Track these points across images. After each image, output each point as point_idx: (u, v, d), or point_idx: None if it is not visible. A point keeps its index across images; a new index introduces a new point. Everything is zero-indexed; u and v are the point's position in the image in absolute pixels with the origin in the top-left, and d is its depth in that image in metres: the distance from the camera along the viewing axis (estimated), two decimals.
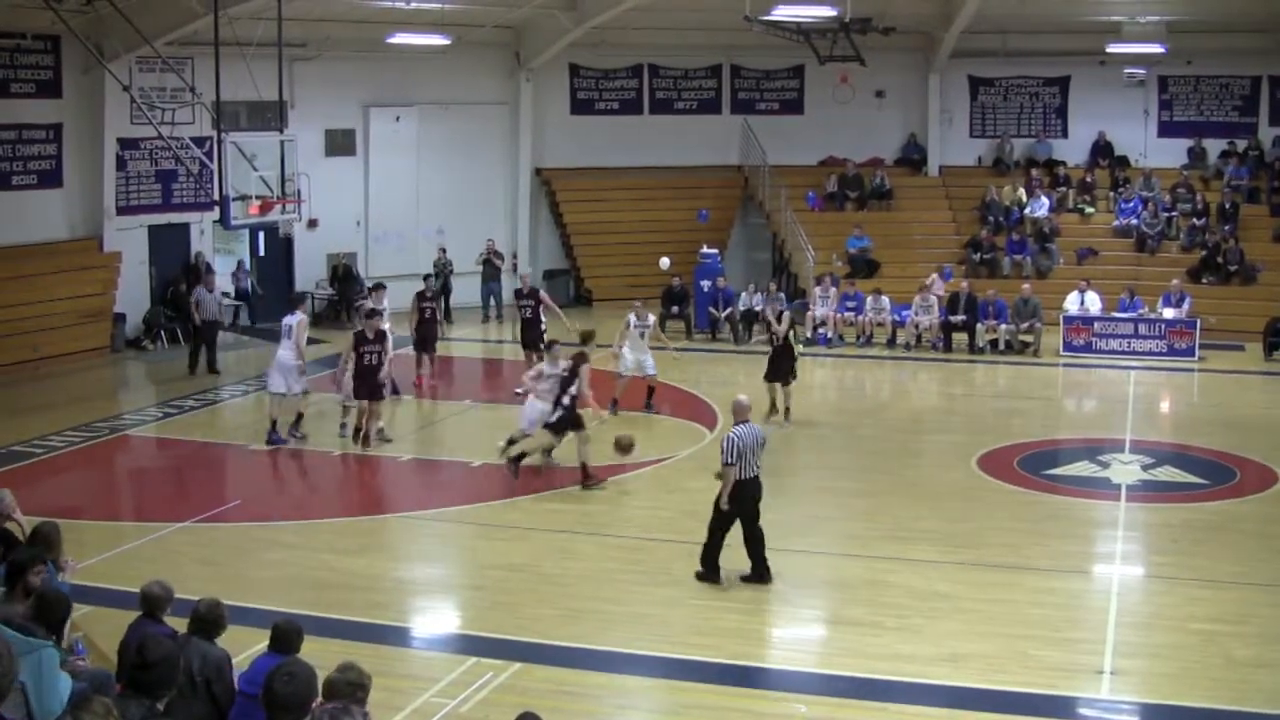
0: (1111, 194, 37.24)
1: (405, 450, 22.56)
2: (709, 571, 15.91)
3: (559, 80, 39.26)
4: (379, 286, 26.60)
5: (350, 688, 8.17)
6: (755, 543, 15.80)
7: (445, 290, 35.52)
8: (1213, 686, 12.96)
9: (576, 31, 35.71)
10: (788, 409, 24.29)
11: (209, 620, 9.78)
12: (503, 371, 27.03)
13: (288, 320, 23.29)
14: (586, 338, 22.37)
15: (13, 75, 29.71)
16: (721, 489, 15.66)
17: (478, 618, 15.34)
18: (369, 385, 22.11)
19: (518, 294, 28.17)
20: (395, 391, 25.08)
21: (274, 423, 22.93)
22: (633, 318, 25.26)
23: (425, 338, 27.15)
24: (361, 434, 22.37)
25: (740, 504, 15.65)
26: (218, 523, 18.55)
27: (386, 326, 23.62)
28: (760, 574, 15.86)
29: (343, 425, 22.96)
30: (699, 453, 22.12)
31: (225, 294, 34.43)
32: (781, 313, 25.17)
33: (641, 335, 25.22)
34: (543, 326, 26.87)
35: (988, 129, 40.00)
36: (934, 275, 33.41)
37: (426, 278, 30.53)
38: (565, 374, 20.34)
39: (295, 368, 22.86)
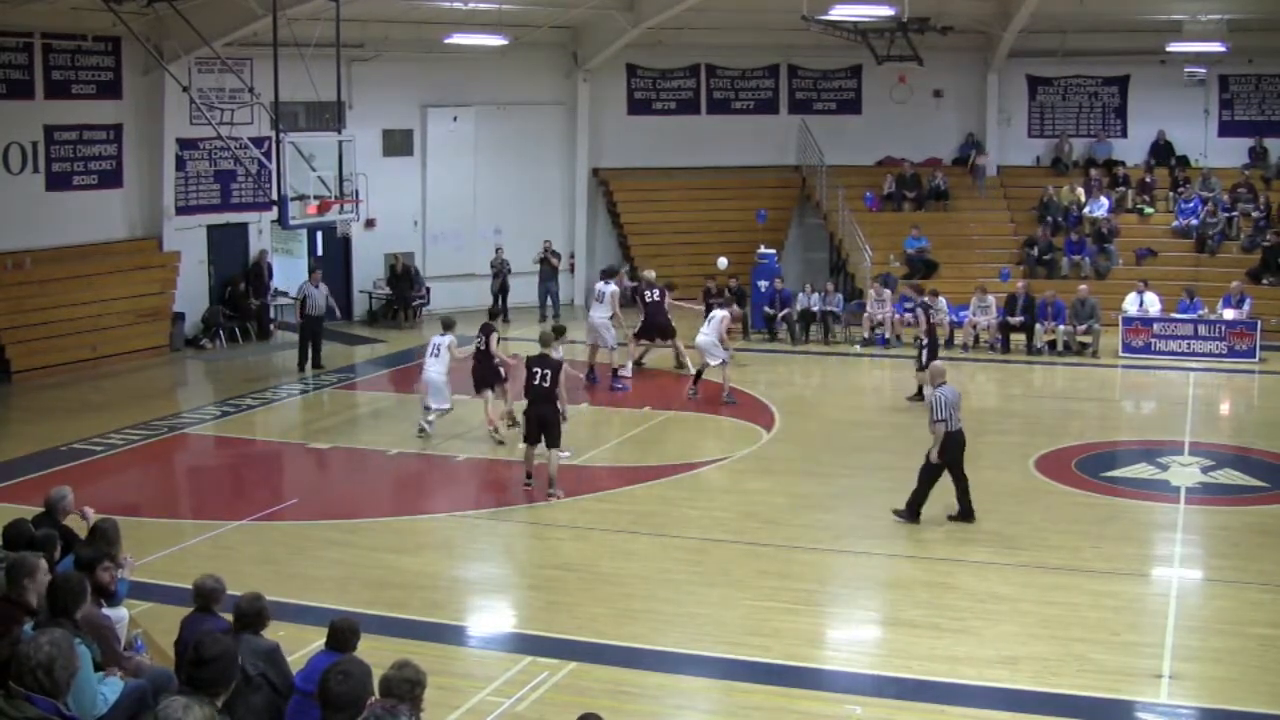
0: (1171, 194, 36.91)
1: (462, 450, 22.58)
2: (911, 515, 17.96)
3: (616, 80, 39.28)
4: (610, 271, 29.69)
5: (407, 685, 8.14)
6: (962, 487, 17.96)
7: (503, 289, 35.71)
8: (1272, 691, 12.84)
9: (634, 32, 35.68)
10: None
11: (251, 614, 9.78)
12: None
13: (603, 287, 27.78)
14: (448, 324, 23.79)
15: (74, 77, 30.00)
16: (933, 443, 17.82)
17: (534, 617, 15.37)
18: None
19: (648, 286, 29.08)
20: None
21: (591, 368, 27.79)
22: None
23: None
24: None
25: (949, 453, 17.74)
26: (275, 521, 18.67)
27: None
28: (965, 513, 18.03)
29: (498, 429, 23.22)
30: (757, 453, 22.14)
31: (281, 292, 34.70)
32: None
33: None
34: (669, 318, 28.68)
35: (1046, 129, 39.74)
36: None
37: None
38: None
39: (607, 325, 27.47)
